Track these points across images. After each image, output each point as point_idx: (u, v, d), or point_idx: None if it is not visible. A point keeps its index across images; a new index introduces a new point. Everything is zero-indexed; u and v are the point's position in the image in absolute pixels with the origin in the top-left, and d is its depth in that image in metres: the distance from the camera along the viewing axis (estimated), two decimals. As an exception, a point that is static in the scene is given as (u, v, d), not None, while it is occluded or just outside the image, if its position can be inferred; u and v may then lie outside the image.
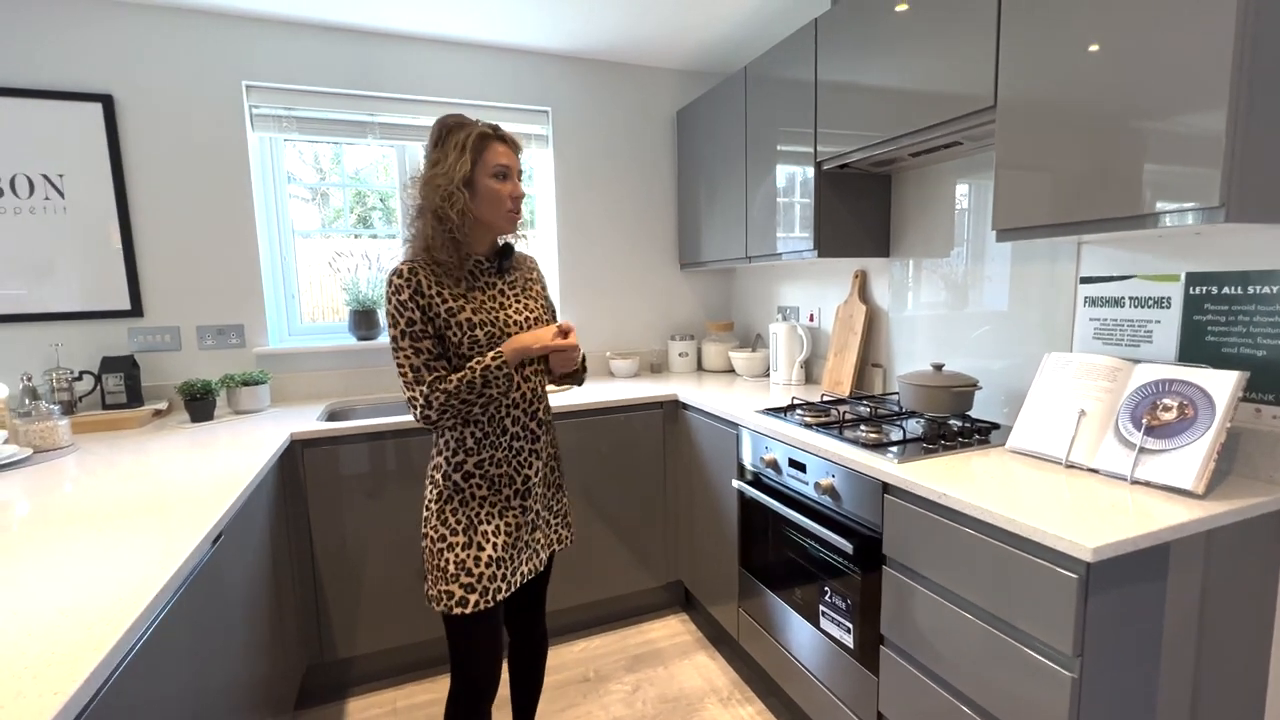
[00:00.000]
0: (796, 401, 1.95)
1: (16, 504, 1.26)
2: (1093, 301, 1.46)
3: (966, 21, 1.36)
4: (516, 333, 1.28)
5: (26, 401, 1.76)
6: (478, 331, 1.23)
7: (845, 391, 2.13)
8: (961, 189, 1.80)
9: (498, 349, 1.22)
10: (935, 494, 1.18)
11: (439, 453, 1.28)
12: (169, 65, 2.13)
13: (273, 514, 1.66)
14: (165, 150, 2.15)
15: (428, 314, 1.20)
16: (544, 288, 1.45)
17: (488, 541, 1.25)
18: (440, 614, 1.29)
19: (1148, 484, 1.15)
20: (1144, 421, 1.19)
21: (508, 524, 1.28)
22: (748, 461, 1.88)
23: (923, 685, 1.26)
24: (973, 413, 1.69)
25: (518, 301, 1.33)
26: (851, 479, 1.44)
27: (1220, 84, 0.95)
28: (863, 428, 1.61)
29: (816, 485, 1.53)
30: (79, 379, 2.02)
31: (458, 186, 1.20)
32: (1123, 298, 1.40)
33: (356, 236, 2.63)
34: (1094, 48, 1.12)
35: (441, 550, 1.23)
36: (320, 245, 2.57)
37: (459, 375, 1.19)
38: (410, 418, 1.95)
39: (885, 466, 1.33)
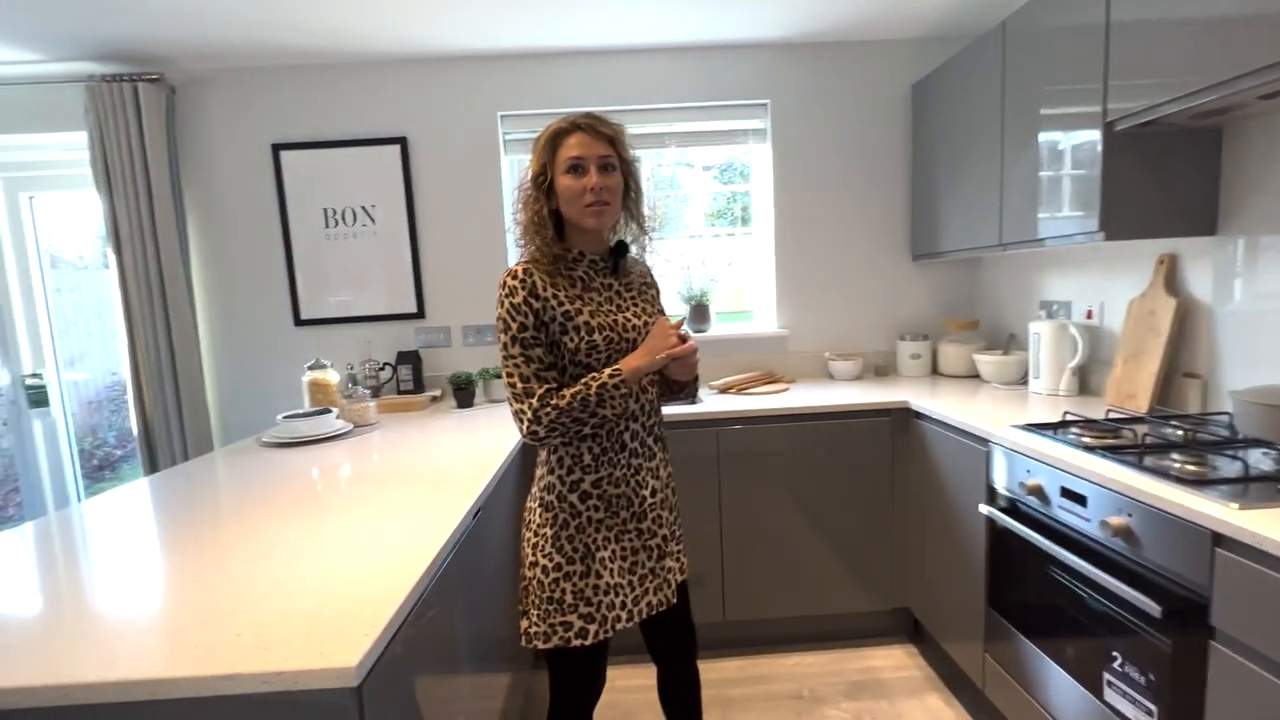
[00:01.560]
0: (1071, 417, 1.60)
1: (345, 467, 1.61)
2: None
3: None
4: (636, 338, 1.19)
5: (349, 386, 2.24)
6: (596, 336, 1.14)
7: (1142, 407, 1.70)
8: (1348, 135, 1.30)
9: (616, 366, 1.13)
10: (1310, 558, 0.86)
11: (550, 471, 1.18)
12: (444, 105, 2.53)
13: (518, 489, 1.87)
14: (440, 178, 2.57)
15: (542, 318, 1.12)
16: (658, 294, 1.36)
17: (605, 569, 1.16)
18: (549, 650, 1.18)
19: None
20: None
21: (623, 549, 1.20)
22: (1000, 485, 1.60)
23: (1278, 813, 0.93)
24: (1365, 446, 1.21)
25: (635, 305, 1.24)
26: (1158, 522, 1.13)
27: None
28: (1175, 456, 1.25)
29: (1103, 524, 1.23)
30: (383, 369, 2.51)
31: (529, 187, 1.17)
32: None
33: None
34: None
35: (557, 580, 1.15)
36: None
37: (573, 391, 1.10)
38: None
39: (1217, 511, 1.01)
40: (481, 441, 1.82)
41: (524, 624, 1.19)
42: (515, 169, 2.67)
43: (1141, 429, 1.47)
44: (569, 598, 1.15)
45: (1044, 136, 1.76)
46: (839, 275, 2.67)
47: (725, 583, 2.16)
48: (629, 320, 1.21)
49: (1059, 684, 1.41)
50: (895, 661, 2.11)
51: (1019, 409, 1.86)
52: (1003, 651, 1.63)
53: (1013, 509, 1.56)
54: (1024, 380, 2.22)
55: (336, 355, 2.51)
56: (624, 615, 1.19)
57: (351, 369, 2.41)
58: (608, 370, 1.13)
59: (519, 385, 1.12)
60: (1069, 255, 2.11)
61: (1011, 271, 2.44)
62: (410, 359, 2.54)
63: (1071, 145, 1.66)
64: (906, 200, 2.63)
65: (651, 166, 2.80)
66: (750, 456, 2.11)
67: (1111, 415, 1.62)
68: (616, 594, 1.18)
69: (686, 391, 1.31)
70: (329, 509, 1.27)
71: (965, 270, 2.68)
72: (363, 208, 2.56)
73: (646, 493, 1.23)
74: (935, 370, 2.58)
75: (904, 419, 2.10)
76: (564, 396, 1.11)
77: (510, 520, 1.75)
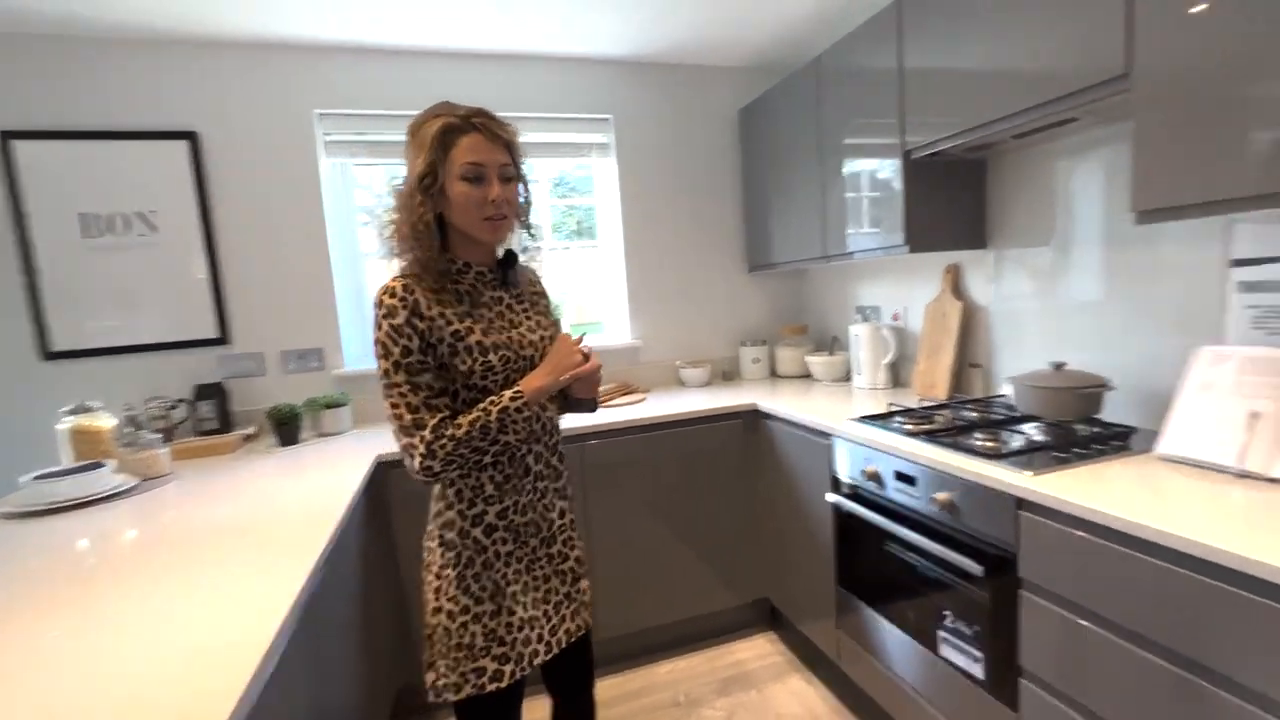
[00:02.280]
0: (895, 408, 1.82)
1: (133, 534, 1.29)
2: (1249, 286, 1.29)
3: (1089, -17, 1.22)
4: (534, 354, 1.11)
5: (129, 431, 1.82)
6: (492, 356, 1.04)
7: (942, 395, 1.98)
8: (1068, 169, 1.65)
9: (517, 388, 1.03)
10: (1091, 512, 1.05)
11: (448, 506, 1.07)
12: (246, 99, 2.20)
13: (362, 537, 1.66)
14: (245, 181, 2.21)
15: (428, 339, 1.00)
16: (549, 304, 1.25)
17: (517, 603, 1.09)
18: (460, 701, 1.07)
19: (1352, 496, 0.99)
20: (1339, 423, 1.03)
21: (534, 579, 1.13)
22: (844, 474, 1.76)
23: (1078, 726, 1.12)
24: (1102, 416, 1.53)
25: (528, 318, 1.14)
26: (974, 493, 1.31)
27: None
28: (977, 435, 1.48)
29: (933, 501, 1.41)
30: (174, 407, 2.08)
31: (414, 191, 1.00)
32: (1288, 281, 1.23)
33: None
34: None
35: (465, 624, 1.05)
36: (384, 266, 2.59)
37: (470, 418, 1.00)
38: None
39: (1017, 479, 1.20)
40: (314, 483, 1.58)
41: (430, 677, 1.08)
42: (339, 173, 2.40)
43: (947, 414, 1.72)
44: (480, 640, 1.06)
45: (856, 162, 2.00)
46: (685, 286, 2.78)
47: (596, 601, 2.11)
48: (524, 336, 1.11)
49: (904, 648, 1.58)
50: (759, 651, 2.23)
51: (849, 403, 2.07)
52: (853, 625, 1.79)
53: (855, 495, 1.72)
54: (848, 377, 2.49)
55: (109, 394, 2.03)
56: (541, 649, 1.12)
57: (131, 410, 1.96)
58: (508, 393, 1.03)
59: (407, 417, 0.99)
60: (877, 265, 2.42)
61: (831, 280, 2.73)
62: (213, 393, 2.14)
63: (879, 171, 1.90)
64: (740, 215, 2.83)
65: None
66: (614, 469, 2.10)
67: (924, 404, 1.87)
68: (531, 627, 1.11)
69: (587, 404, 1.22)
70: (113, 592, 1.00)
71: (793, 280, 2.95)
72: (139, 214, 2.12)
73: (555, 515, 1.17)
74: (774, 372, 2.80)
75: (754, 420, 2.24)
76: (460, 425, 1.00)
77: (358, 563, 1.54)
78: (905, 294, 2.29)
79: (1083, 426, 1.46)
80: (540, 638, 1.12)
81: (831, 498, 1.77)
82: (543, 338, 1.14)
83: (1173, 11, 1.09)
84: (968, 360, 2.01)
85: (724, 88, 2.75)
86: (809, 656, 2.14)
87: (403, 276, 1.03)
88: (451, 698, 1.06)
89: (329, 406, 2.16)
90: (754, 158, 2.67)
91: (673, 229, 2.74)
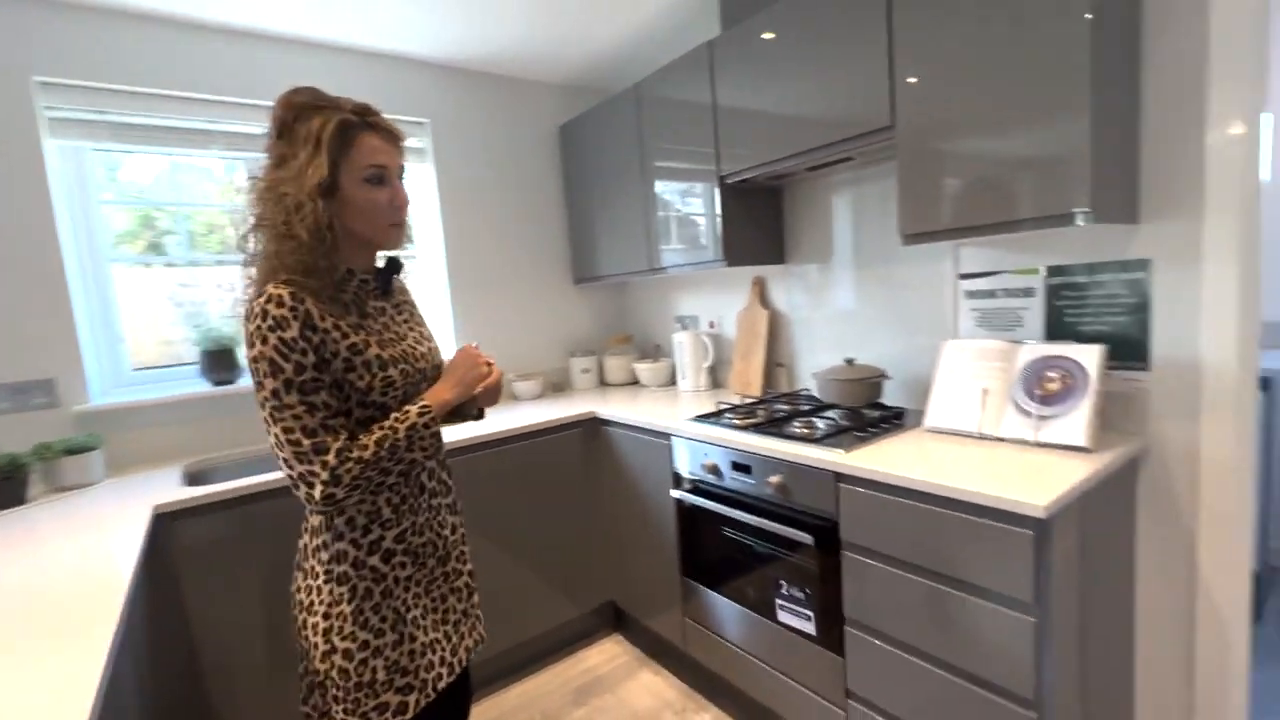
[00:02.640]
0: (723, 406, 2.01)
1: None
2: (971, 295, 1.69)
3: (862, 48, 1.51)
4: (425, 366, 1.05)
5: None
6: (392, 371, 0.97)
7: (757, 392, 2.24)
8: (845, 198, 1.99)
9: (424, 403, 0.98)
10: (893, 477, 1.29)
11: (338, 537, 0.97)
12: (-81, 52, 1.65)
13: (141, 609, 1.34)
14: (-80, 161, 1.66)
15: (323, 354, 0.90)
16: (422, 315, 1.20)
17: (418, 628, 1.03)
18: None
19: (1046, 445, 1.36)
20: (1035, 393, 1.41)
21: (433, 600, 1.08)
22: (685, 470, 1.89)
23: (892, 656, 1.36)
24: (883, 400, 1.87)
25: (412, 329, 1.09)
26: (800, 473, 1.52)
27: (1081, 98, 1.17)
28: (795, 424, 1.71)
29: (767, 484, 1.59)
30: None
31: (310, 196, 0.90)
32: (995, 290, 1.64)
33: (161, 264, 2.23)
34: (968, 73, 1.31)
35: (365, 660, 0.97)
36: (147, 275, 2.14)
37: (376, 438, 0.92)
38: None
39: (835, 458, 1.42)
40: (57, 553, 1.23)
41: None
42: (67, 156, 1.91)
43: (765, 408, 1.95)
44: (381, 675, 0.99)
45: (677, 184, 2.18)
46: (512, 299, 2.74)
47: (440, 635, 1.97)
48: (414, 348, 1.05)
49: (746, 622, 1.75)
50: (608, 654, 2.27)
51: (679, 405, 2.23)
52: (698, 611, 1.93)
53: (695, 488, 1.86)
54: (673, 381, 2.67)
55: None
56: (444, 671, 1.06)
57: None
58: (415, 408, 0.97)
59: (306, 442, 0.88)
60: (694, 278, 2.65)
61: (652, 292, 2.92)
62: None
63: (698, 193, 2.09)
64: (564, 230, 2.88)
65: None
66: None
67: (746, 400, 2.09)
68: (434, 650, 1.05)
69: (476, 414, 1.16)
70: None
71: (616, 292, 3.08)
72: None
73: (448, 532, 1.12)
74: (603, 381, 2.89)
75: (594, 428, 2.29)
76: (365, 446, 0.91)
77: (140, 640, 1.24)
78: (719, 304, 2.55)
79: (870, 410, 1.78)
80: (443, 660, 1.07)
81: (674, 493, 1.89)
82: (429, 349, 1.10)
83: (908, 78, 1.40)
84: (775, 360, 2.31)
85: (545, 103, 2.78)
86: (656, 650, 2.24)
87: (286, 284, 0.89)
88: None
89: (70, 453, 1.70)
90: (577, 174, 2.74)
91: (498, 241, 2.69)
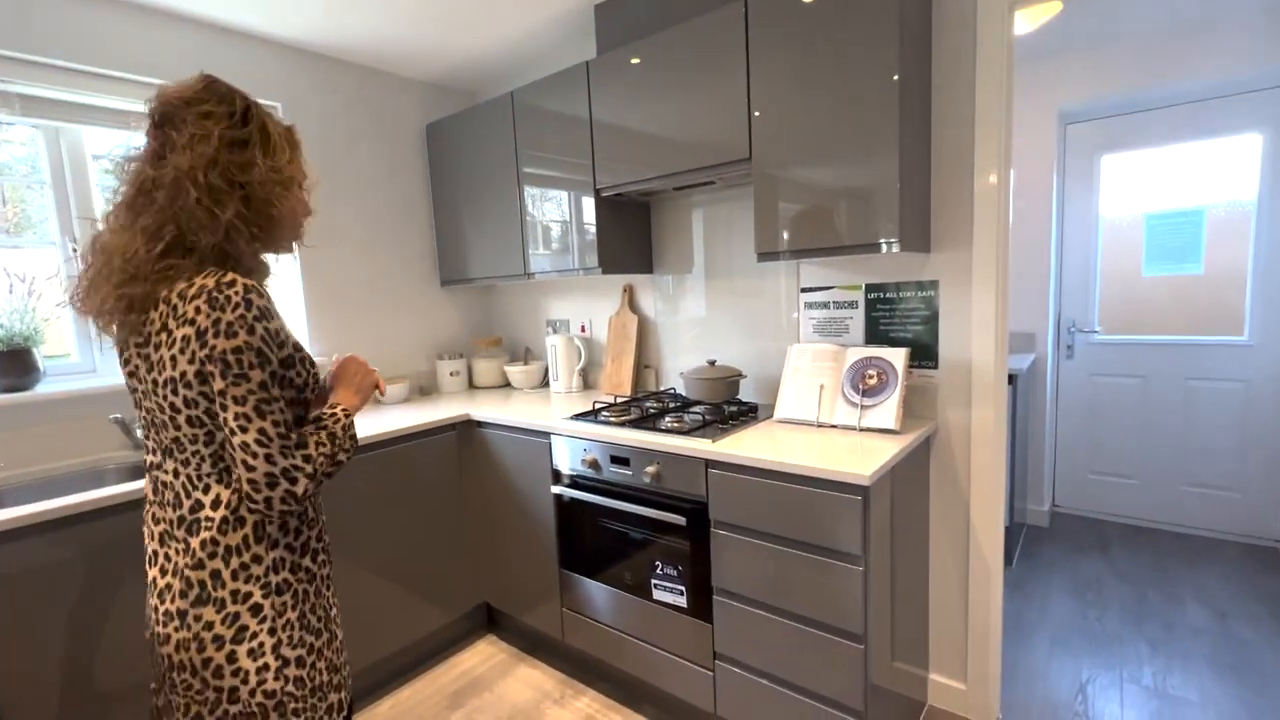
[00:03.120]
0: (599, 405, 2.13)
1: None
2: (810, 305, 2.00)
3: (725, 86, 1.73)
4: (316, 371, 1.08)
5: None
6: (315, 369, 1.02)
7: (628, 392, 2.40)
8: (703, 215, 2.23)
9: (336, 403, 1.03)
10: (753, 459, 1.50)
11: (274, 546, 0.95)
12: None
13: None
14: None
15: (286, 350, 0.95)
16: None
17: (338, 624, 1.08)
18: None
19: (868, 429, 1.67)
20: (859, 387, 1.72)
21: (330, 584, 1.10)
22: (564, 467, 1.98)
23: (751, 615, 1.57)
24: (740, 397, 2.12)
25: None
26: (674, 462, 1.69)
27: (891, 141, 1.47)
28: (667, 419, 1.88)
29: (644, 474, 1.74)
30: None
31: (292, 186, 0.98)
32: (828, 302, 1.96)
33: (-23, 248, 1.86)
34: (814, 121, 1.58)
35: (314, 663, 0.98)
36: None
37: (326, 435, 0.96)
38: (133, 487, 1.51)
39: (705, 446, 1.61)
40: None
41: None
42: None
43: (638, 406, 2.11)
44: (325, 675, 1.00)
45: (553, 193, 2.27)
46: (375, 299, 2.63)
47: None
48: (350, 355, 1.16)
49: (622, 604, 1.89)
50: (483, 655, 2.28)
51: (555, 405, 2.32)
52: (576, 600, 2.02)
53: (574, 483, 1.96)
54: (545, 383, 2.75)
55: None
56: (348, 669, 1.07)
57: None
58: (338, 409, 1.02)
59: (291, 436, 0.90)
60: (564, 283, 2.75)
61: (522, 296, 2.96)
62: None
63: (575, 202, 2.20)
64: (430, 231, 2.82)
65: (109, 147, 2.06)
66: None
67: (618, 399, 2.24)
68: (345, 648, 1.07)
69: None
70: None
71: (483, 295, 3.07)
72: None
73: (324, 520, 1.11)
74: (472, 384, 2.87)
75: (467, 430, 2.29)
76: (322, 443, 0.94)
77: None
78: (589, 309, 2.67)
79: (729, 405, 2.01)
80: (343, 640, 1.10)
81: (555, 489, 1.98)
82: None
83: (760, 116, 1.65)
84: (643, 362, 2.48)
85: (410, 99, 2.71)
86: (533, 645, 2.30)
87: (241, 275, 0.88)
88: None
89: None
90: (446, 174, 2.70)
91: (357, 239, 2.56)
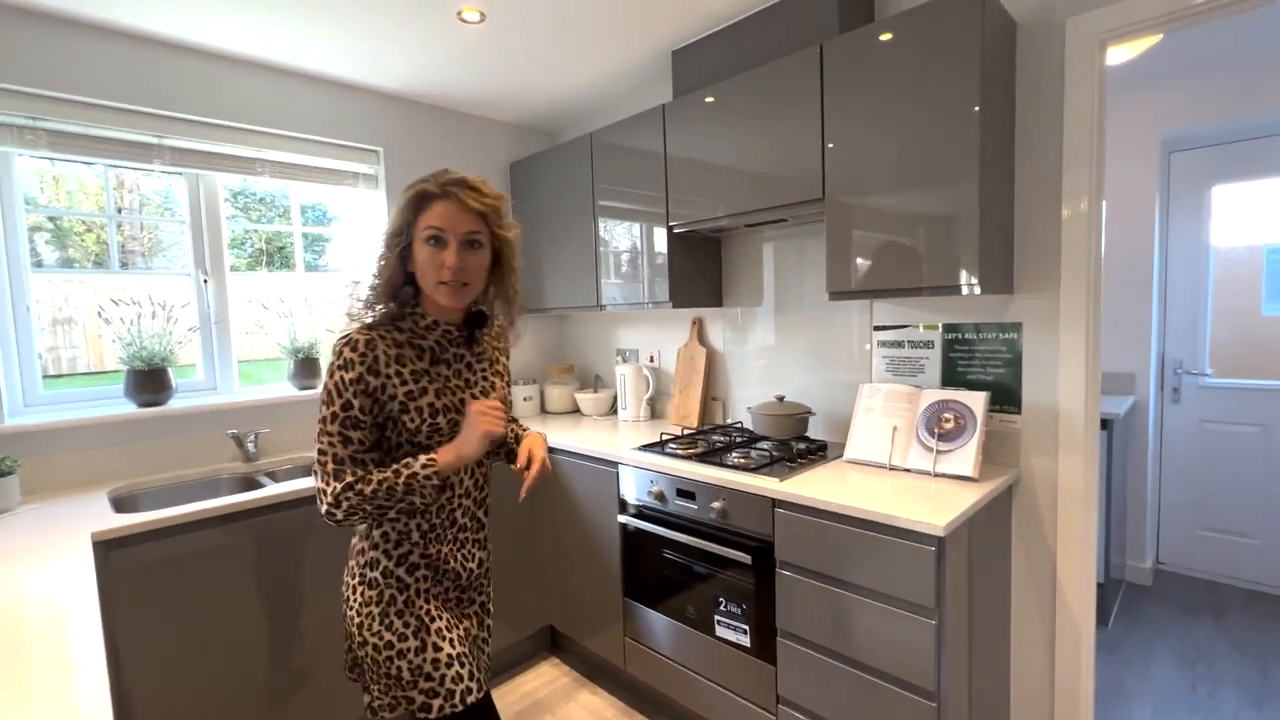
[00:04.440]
0: (666, 436, 2.17)
1: None
2: (883, 344, 1.96)
3: (800, 126, 1.75)
4: None
5: None
6: (440, 419, 1.10)
7: (695, 424, 2.42)
8: (771, 252, 2.24)
9: (431, 455, 1.06)
10: (821, 502, 1.49)
11: (373, 546, 1.12)
12: None
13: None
14: None
15: (379, 397, 1.05)
16: (507, 369, 1.29)
17: (443, 639, 1.12)
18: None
19: (943, 475, 1.61)
20: (935, 431, 1.67)
21: (455, 618, 1.18)
22: (631, 496, 2.02)
23: (817, 661, 1.54)
24: (808, 434, 2.10)
25: (484, 379, 1.20)
26: (740, 499, 1.69)
27: (972, 172, 1.45)
28: (733, 454, 1.89)
29: (710, 509, 1.75)
30: None
31: (387, 248, 1.09)
32: (902, 341, 1.92)
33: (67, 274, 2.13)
34: (889, 159, 1.58)
35: (391, 659, 1.09)
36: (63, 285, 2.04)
37: (380, 477, 1.03)
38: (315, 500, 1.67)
39: (772, 485, 1.61)
40: (11, 584, 1.18)
41: (366, 698, 1.14)
42: (3, 163, 1.81)
43: (704, 439, 2.13)
44: (406, 675, 1.09)
45: (627, 226, 2.35)
46: (458, 326, 2.78)
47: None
48: (475, 399, 1.16)
49: (685, 639, 1.89)
50: (546, 677, 2.33)
51: (622, 434, 2.37)
52: (638, 630, 2.04)
53: (640, 514, 2.00)
54: (613, 411, 2.81)
55: None
56: (474, 686, 1.13)
57: None
58: (422, 458, 1.06)
59: (329, 465, 1.04)
60: (634, 315, 2.82)
61: (594, 326, 3.05)
62: None
63: (648, 237, 2.27)
64: (510, 261, 2.97)
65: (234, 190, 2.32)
66: (401, 517, 2.00)
67: (685, 431, 2.26)
68: (461, 664, 1.13)
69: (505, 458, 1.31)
70: None
71: (557, 323, 3.20)
72: None
73: (473, 565, 1.22)
74: (543, 409, 2.98)
75: (538, 455, 2.37)
76: (370, 482, 1.03)
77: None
78: (658, 339, 2.72)
79: (797, 442, 1.99)
80: (471, 675, 1.14)
81: (621, 518, 2.02)
82: None
83: (836, 156, 1.66)
84: (710, 394, 2.50)
85: (496, 140, 2.90)
86: (594, 671, 2.33)
87: (368, 329, 1.07)
88: (388, 716, 1.12)
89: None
90: (525, 210, 2.85)
91: (445, 269, 2.73)
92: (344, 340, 1.05)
